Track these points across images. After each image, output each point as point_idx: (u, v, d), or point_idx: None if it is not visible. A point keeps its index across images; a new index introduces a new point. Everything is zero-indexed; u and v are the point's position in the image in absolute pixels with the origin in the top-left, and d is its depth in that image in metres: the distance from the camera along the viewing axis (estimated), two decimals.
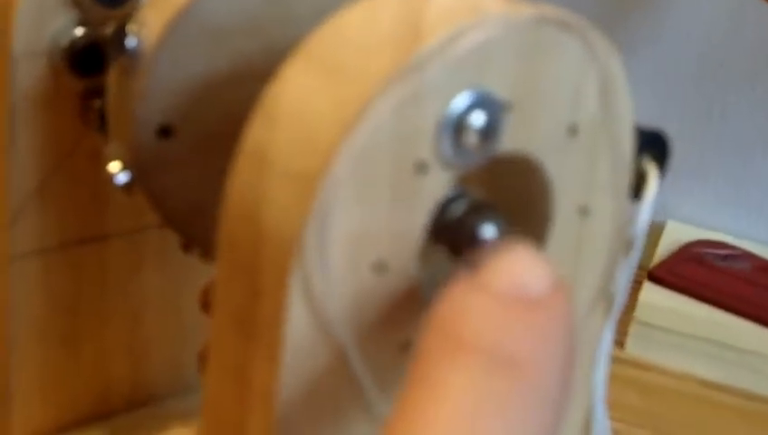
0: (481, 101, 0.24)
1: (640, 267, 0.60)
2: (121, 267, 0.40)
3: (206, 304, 0.36)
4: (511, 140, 0.25)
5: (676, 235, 0.66)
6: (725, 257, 0.64)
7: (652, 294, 0.59)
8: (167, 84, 0.31)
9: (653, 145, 0.30)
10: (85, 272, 0.39)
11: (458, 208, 0.26)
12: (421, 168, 0.24)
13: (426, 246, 0.26)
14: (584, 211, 0.28)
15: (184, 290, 0.41)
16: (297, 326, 0.23)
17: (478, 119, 0.24)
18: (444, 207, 0.26)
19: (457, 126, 0.24)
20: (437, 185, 0.24)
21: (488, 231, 0.26)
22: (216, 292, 0.26)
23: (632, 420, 0.53)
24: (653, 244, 0.65)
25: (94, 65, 0.36)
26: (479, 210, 0.26)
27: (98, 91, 0.36)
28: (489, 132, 0.24)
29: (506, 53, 0.24)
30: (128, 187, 0.32)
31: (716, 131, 0.67)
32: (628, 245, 0.30)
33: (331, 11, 0.32)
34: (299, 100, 0.24)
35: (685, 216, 0.69)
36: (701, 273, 0.61)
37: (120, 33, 0.31)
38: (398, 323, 0.25)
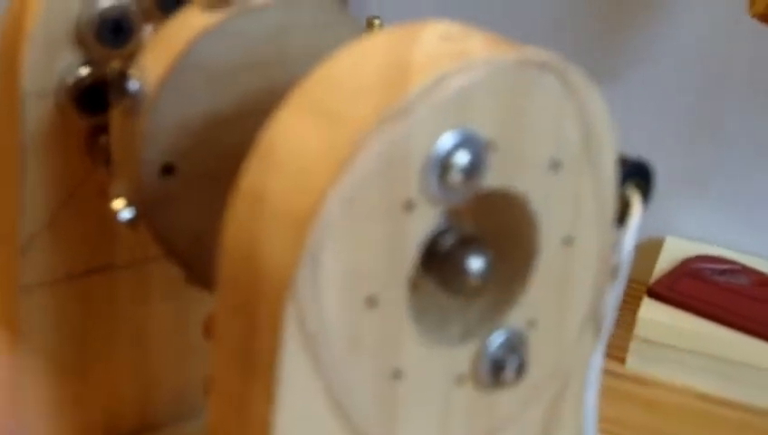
0: (465, 141, 0.25)
1: (640, 283, 0.60)
2: (128, 297, 0.41)
3: (209, 333, 0.37)
4: (495, 177, 0.26)
5: (676, 250, 0.67)
6: (724, 272, 0.64)
7: (652, 310, 0.60)
8: (169, 125, 0.32)
9: (637, 174, 0.31)
10: (93, 301, 0.40)
11: (447, 241, 0.28)
12: (409, 206, 0.25)
13: (416, 277, 0.27)
14: (569, 241, 0.29)
15: (189, 318, 0.42)
16: (292, 363, 0.25)
17: (463, 158, 0.25)
18: (434, 240, 0.28)
19: (443, 165, 0.25)
20: (425, 221, 0.26)
21: (475, 264, 0.27)
22: (216, 327, 0.27)
23: None
24: (652, 260, 0.66)
25: (100, 104, 0.37)
26: (467, 244, 0.28)
27: (104, 128, 0.37)
28: (473, 170, 0.25)
29: (489, 95, 0.25)
30: (132, 223, 0.33)
31: (715, 147, 0.68)
32: (614, 270, 0.31)
33: (325, 49, 0.33)
34: (292, 143, 0.25)
35: (684, 231, 0.69)
36: (700, 288, 0.62)
37: (122, 77, 0.32)
38: (389, 353, 0.26)
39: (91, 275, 0.40)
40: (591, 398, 0.32)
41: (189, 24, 0.32)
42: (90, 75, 0.37)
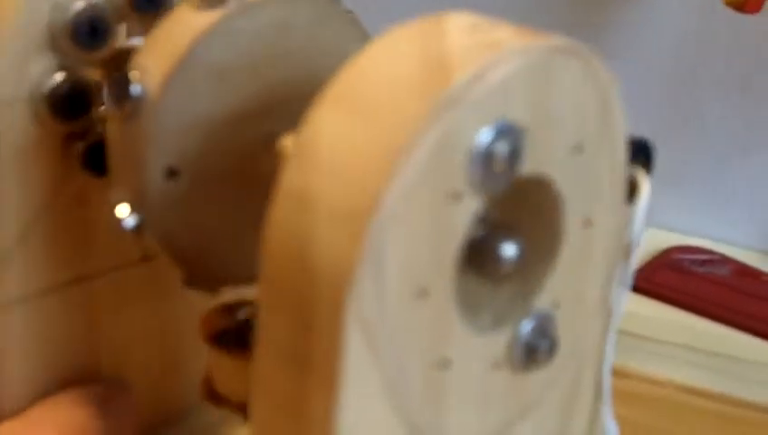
0: (505, 130, 0.26)
1: None
2: (108, 305, 0.40)
3: (205, 333, 0.36)
4: (529, 163, 0.27)
5: (654, 241, 0.65)
6: (704, 263, 0.62)
7: (630, 302, 0.59)
8: (172, 126, 0.31)
9: (640, 152, 0.32)
10: (73, 312, 0.39)
11: (480, 229, 0.28)
12: (456, 196, 0.25)
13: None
14: (588, 223, 0.30)
15: (169, 322, 0.42)
16: (354, 357, 0.25)
17: (504, 147, 0.25)
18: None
19: (487, 155, 0.25)
20: (470, 211, 0.26)
21: (508, 250, 0.28)
22: (259, 330, 0.26)
23: None
24: None
25: (76, 109, 0.36)
26: (499, 230, 0.28)
27: (80, 135, 0.36)
28: (514, 158, 0.26)
29: (524, 83, 0.26)
30: (137, 229, 0.32)
31: (692, 137, 0.66)
32: (625, 250, 0.32)
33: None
34: (336, 141, 0.25)
35: (662, 222, 0.67)
36: (680, 279, 0.60)
37: (122, 80, 0.31)
38: (439, 343, 0.26)
39: (69, 286, 0.39)
40: (608, 377, 0.33)
41: (188, 23, 0.31)
42: (65, 81, 0.36)
